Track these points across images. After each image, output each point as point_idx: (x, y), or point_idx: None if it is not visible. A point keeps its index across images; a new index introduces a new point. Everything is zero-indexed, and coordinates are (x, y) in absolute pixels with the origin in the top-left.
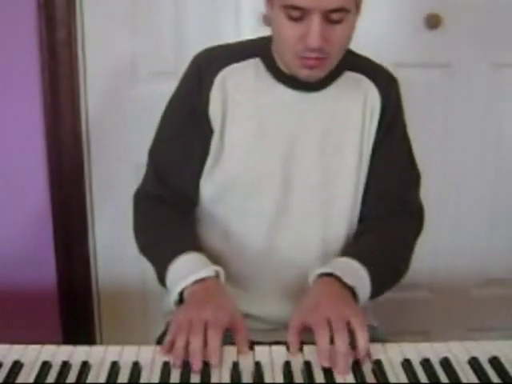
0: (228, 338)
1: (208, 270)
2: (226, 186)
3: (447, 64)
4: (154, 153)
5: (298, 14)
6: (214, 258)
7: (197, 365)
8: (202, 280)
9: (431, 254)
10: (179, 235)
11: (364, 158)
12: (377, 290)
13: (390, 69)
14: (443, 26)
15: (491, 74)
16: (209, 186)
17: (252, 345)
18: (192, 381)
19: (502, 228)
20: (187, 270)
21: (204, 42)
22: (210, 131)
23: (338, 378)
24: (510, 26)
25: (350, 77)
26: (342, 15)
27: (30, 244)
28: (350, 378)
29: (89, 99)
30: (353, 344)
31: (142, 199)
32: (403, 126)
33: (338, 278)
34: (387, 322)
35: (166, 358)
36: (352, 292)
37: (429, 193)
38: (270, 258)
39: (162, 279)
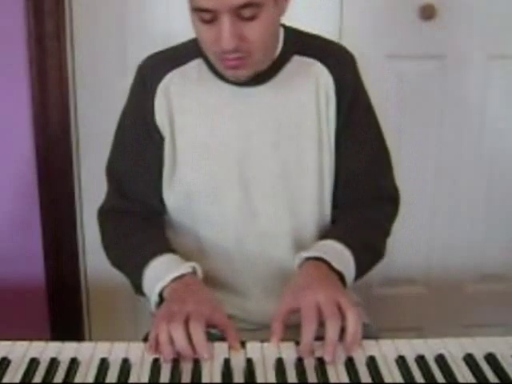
0: (217, 335)
1: (185, 266)
2: (186, 195)
3: (442, 55)
4: (113, 167)
5: (209, 17)
6: (190, 261)
7: (189, 357)
8: (181, 277)
9: (426, 249)
10: (150, 241)
11: (325, 146)
12: (360, 272)
13: (385, 60)
14: (438, 17)
15: (486, 65)
16: (170, 196)
17: (243, 342)
18: (183, 378)
19: (497, 223)
20: (163, 270)
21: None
22: (162, 140)
23: (331, 375)
24: (504, 16)
25: (298, 62)
26: (253, 10)
27: (17, 239)
28: (344, 375)
29: (77, 92)
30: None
31: (107, 214)
32: (366, 106)
33: (325, 262)
34: (381, 318)
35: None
36: (339, 276)
37: (423, 186)
38: (243, 259)
39: (138, 287)
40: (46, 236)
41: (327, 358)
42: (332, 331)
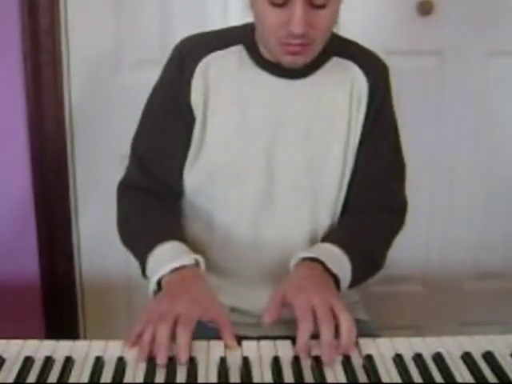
0: (213, 333)
1: (187, 258)
2: (208, 176)
3: (440, 51)
4: (137, 143)
5: (281, 0)
6: (199, 251)
7: (161, 358)
8: (181, 268)
9: (424, 246)
10: (161, 225)
11: (350, 147)
12: (355, 280)
13: (382, 56)
14: (435, 13)
15: (484, 62)
16: (191, 176)
17: (239, 339)
18: (178, 376)
19: (495, 220)
20: (166, 258)
21: (190, 29)
22: (193, 120)
23: (328, 374)
24: (503, 13)
25: (337, 63)
26: (325, 0)
27: (12, 236)
28: (341, 373)
29: (72, 87)
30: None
31: (125, 190)
32: (391, 116)
33: (321, 264)
34: (379, 316)
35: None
36: (334, 279)
37: (421, 184)
38: (256, 250)
39: (143, 270)
40: (40, 234)
41: (326, 360)
42: (326, 333)
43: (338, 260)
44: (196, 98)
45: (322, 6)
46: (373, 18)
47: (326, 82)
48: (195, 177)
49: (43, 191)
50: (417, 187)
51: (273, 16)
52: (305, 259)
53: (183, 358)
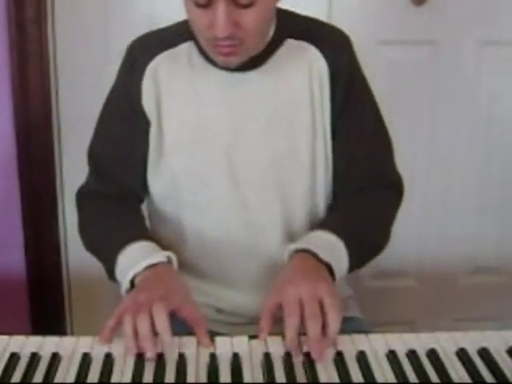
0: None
1: (159, 255)
2: (173, 181)
3: (434, 41)
4: (94, 149)
5: (204, 1)
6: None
7: (149, 351)
8: (154, 265)
9: (418, 241)
10: (127, 226)
11: (318, 134)
12: (355, 264)
13: (375, 46)
14: (429, 3)
15: (478, 52)
16: (156, 182)
17: (212, 336)
18: (167, 373)
19: (491, 214)
20: (138, 256)
21: (179, 19)
22: (148, 124)
23: (320, 370)
24: (496, 2)
25: (291, 46)
26: None
27: None
28: (333, 369)
29: (59, 79)
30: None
31: (84, 197)
32: (365, 90)
33: (313, 254)
34: (372, 312)
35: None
36: (328, 268)
37: (416, 177)
38: (231, 250)
39: (111, 272)
40: (26, 227)
41: (315, 356)
42: (313, 331)
43: (332, 247)
44: (148, 101)
45: (249, 5)
46: (366, 7)
47: (282, 68)
48: (160, 182)
49: (29, 184)
50: (411, 180)
51: (198, 17)
52: (297, 251)
53: (167, 338)
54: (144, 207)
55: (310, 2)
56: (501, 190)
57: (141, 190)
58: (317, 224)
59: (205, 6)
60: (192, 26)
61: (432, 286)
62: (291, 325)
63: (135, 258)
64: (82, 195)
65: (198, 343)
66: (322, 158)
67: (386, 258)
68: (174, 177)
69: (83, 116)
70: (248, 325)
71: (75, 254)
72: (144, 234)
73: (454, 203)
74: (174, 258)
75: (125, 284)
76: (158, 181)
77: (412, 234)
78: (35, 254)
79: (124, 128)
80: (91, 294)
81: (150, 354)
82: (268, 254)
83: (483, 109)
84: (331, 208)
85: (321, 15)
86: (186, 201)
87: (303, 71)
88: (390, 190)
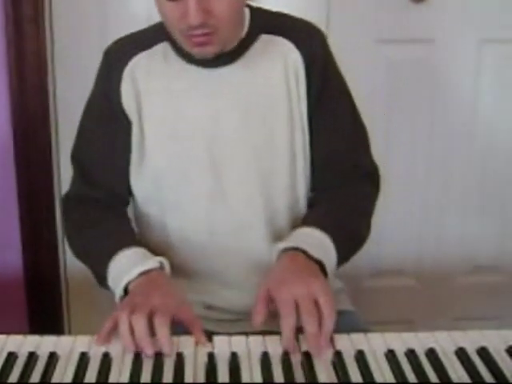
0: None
1: (152, 261)
2: (155, 181)
3: (433, 40)
4: (77, 153)
5: None
6: (157, 255)
7: (147, 350)
8: (147, 272)
9: (417, 240)
10: (116, 232)
11: (297, 126)
12: (341, 259)
13: (373, 45)
14: (428, 1)
15: (477, 50)
16: (138, 184)
17: (210, 335)
18: (165, 372)
19: (490, 214)
20: (130, 263)
21: None
22: (129, 124)
23: (318, 369)
24: (496, 0)
25: (265, 40)
26: None
27: None
28: (331, 369)
29: (57, 77)
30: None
31: (72, 203)
32: (339, 82)
33: (303, 251)
34: (370, 311)
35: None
36: (319, 265)
37: (414, 177)
38: (215, 247)
39: (102, 279)
40: (24, 226)
41: (314, 353)
42: (310, 328)
43: (321, 244)
44: (128, 103)
45: None
46: (365, 6)
47: (258, 62)
48: (142, 183)
49: (27, 184)
50: (410, 180)
51: (170, 10)
52: (286, 249)
53: (167, 350)
54: (129, 212)
55: (308, 1)
56: (500, 189)
57: (126, 192)
58: (301, 219)
59: None
60: (165, 21)
61: (431, 286)
62: (287, 324)
63: (127, 265)
64: (69, 201)
65: (196, 342)
66: (300, 150)
67: (385, 257)
68: (156, 176)
69: (81, 114)
70: (238, 321)
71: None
72: (133, 239)
73: (453, 203)
74: (167, 263)
75: (118, 291)
76: (141, 182)
77: (411, 233)
78: (33, 253)
79: (106, 131)
80: (89, 293)
81: (148, 353)
82: (253, 250)
83: (482, 107)
84: (312, 202)
85: (320, 14)
86: (169, 201)
87: (278, 64)
88: (369, 180)
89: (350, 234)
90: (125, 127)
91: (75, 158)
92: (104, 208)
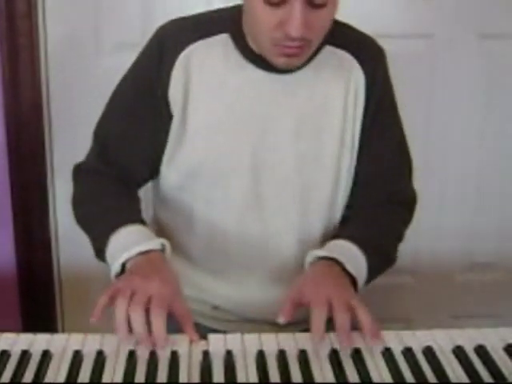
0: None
1: (154, 242)
2: (190, 174)
3: (431, 35)
4: (102, 129)
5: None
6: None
7: (145, 345)
8: (147, 252)
9: (414, 236)
10: (122, 208)
11: (346, 145)
12: (369, 278)
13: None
14: None
15: (478, 45)
16: (172, 173)
17: (208, 332)
18: (160, 370)
19: (487, 210)
20: (132, 240)
21: (172, 12)
22: (168, 115)
23: (315, 367)
24: None
25: (330, 53)
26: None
27: None
28: (328, 367)
29: (50, 72)
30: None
31: (81, 173)
32: (393, 107)
33: (338, 263)
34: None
35: (132, 347)
36: (351, 279)
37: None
38: (241, 249)
39: (100, 251)
40: (17, 223)
41: (343, 344)
42: (341, 318)
43: (355, 259)
44: (175, 93)
45: (323, 5)
46: (363, 0)
47: (318, 75)
48: (176, 174)
49: (20, 179)
50: None
51: (268, 16)
52: (321, 258)
53: (161, 344)
54: (146, 193)
55: None
56: (497, 185)
57: (141, 176)
58: (336, 231)
59: (277, 5)
60: (255, 24)
61: (428, 283)
62: (319, 314)
63: (128, 242)
64: (81, 170)
65: (190, 341)
66: (346, 167)
67: None
68: (192, 168)
69: (74, 110)
70: (244, 322)
71: (66, 250)
72: (139, 217)
73: (449, 199)
74: (168, 246)
75: (115, 266)
76: (173, 171)
77: (408, 230)
78: (26, 250)
79: (138, 112)
80: (82, 290)
81: (144, 349)
82: (278, 257)
83: (481, 102)
84: (346, 218)
85: None
86: (201, 193)
87: (340, 80)
88: (405, 207)
89: (383, 256)
90: (161, 114)
91: (97, 133)
92: (114, 183)
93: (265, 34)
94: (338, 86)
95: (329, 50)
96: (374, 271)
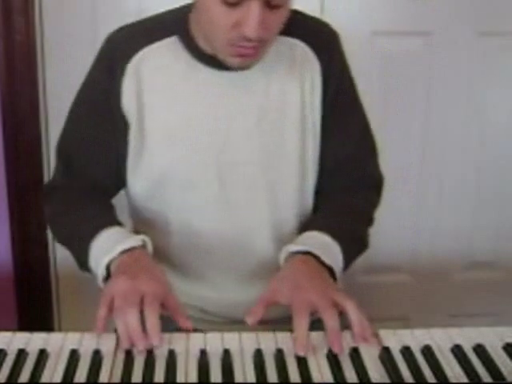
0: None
1: (134, 239)
2: (156, 181)
3: (429, 32)
4: (62, 143)
5: (234, 0)
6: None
7: (140, 346)
8: (130, 250)
9: (412, 235)
10: (97, 214)
11: (308, 134)
12: (347, 265)
13: (369, 37)
14: None
15: (475, 43)
16: (138, 183)
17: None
18: (157, 369)
19: (486, 208)
20: (112, 242)
21: (167, 5)
22: (125, 125)
23: (312, 367)
24: None
25: (282, 43)
26: (282, 0)
27: None
28: (325, 366)
29: (46, 69)
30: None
31: (50, 192)
32: (353, 91)
33: (313, 256)
34: (365, 308)
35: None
36: (329, 271)
37: (410, 170)
38: (218, 252)
39: (84, 262)
40: (13, 221)
41: (335, 349)
42: (330, 320)
43: (330, 249)
44: (128, 102)
45: (279, 6)
46: None
47: (272, 68)
48: (142, 183)
49: (16, 176)
50: (405, 174)
51: (224, 16)
52: (297, 252)
53: (156, 341)
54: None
55: None
56: (496, 184)
57: (112, 186)
58: (307, 223)
59: (234, 5)
60: (210, 24)
61: (426, 282)
62: (301, 323)
63: (110, 244)
64: (49, 190)
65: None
66: (311, 158)
67: (380, 253)
68: (159, 177)
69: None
70: (234, 324)
71: (63, 249)
72: (115, 221)
73: (448, 197)
74: (149, 242)
75: (101, 270)
76: (139, 180)
77: (406, 228)
78: (22, 249)
79: (97, 124)
80: (79, 289)
81: (140, 348)
82: (255, 256)
83: (478, 100)
84: (316, 207)
85: (314, 4)
86: (171, 200)
87: (295, 69)
88: (374, 190)
89: (356, 241)
90: (119, 125)
91: (60, 148)
92: (84, 194)
93: (220, 35)
94: (294, 76)
95: (282, 40)
96: (348, 258)
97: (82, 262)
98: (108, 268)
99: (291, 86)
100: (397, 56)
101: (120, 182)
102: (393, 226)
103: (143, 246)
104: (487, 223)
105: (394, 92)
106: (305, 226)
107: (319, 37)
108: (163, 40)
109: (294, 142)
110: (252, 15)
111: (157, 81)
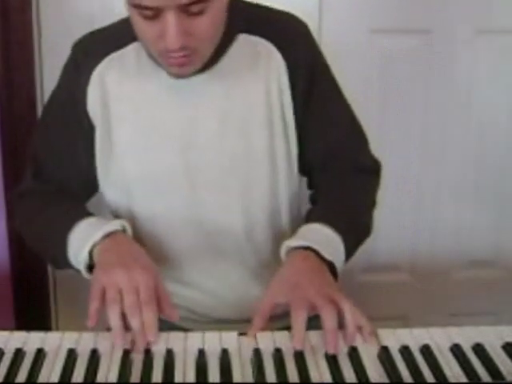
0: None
1: (114, 223)
2: (126, 191)
3: (429, 30)
4: (34, 148)
5: (151, 13)
6: None
7: (141, 344)
8: (111, 234)
9: (411, 234)
10: (70, 209)
11: (277, 135)
12: (348, 256)
13: (368, 35)
14: None
15: (473, 40)
16: (109, 190)
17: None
18: (154, 369)
19: (485, 207)
20: (92, 228)
21: None
22: (91, 129)
23: (311, 366)
24: None
25: (244, 42)
26: (201, 6)
27: None
28: (324, 366)
29: (44, 68)
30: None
31: (20, 196)
32: (329, 83)
33: (313, 251)
34: (364, 307)
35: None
36: (329, 264)
37: (409, 168)
38: (193, 256)
39: (61, 257)
40: (10, 220)
41: (330, 349)
42: (328, 319)
43: (330, 242)
44: (93, 107)
45: (200, 13)
46: None
47: (235, 69)
48: (112, 189)
49: (14, 175)
50: (404, 172)
51: (147, 30)
52: (297, 247)
53: (152, 337)
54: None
55: None
56: (495, 183)
57: (82, 191)
58: (307, 215)
59: (152, 18)
60: (140, 38)
61: (426, 281)
62: (299, 318)
63: (90, 231)
64: (18, 195)
65: (186, 338)
66: (282, 159)
67: (379, 251)
68: (127, 185)
69: None
70: (222, 323)
71: None
72: (90, 214)
73: (447, 195)
74: (128, 227)
75: (83, 257)
76: (109, 188)
77: (405, 227)
78: (20, 247)
79: (66, 131)
80: (77, 288)
81: (141, 348)
82: (231, 258)
83: (478, 98)
84: (315, 199)
85: (312, 2)
86: (141, 208)
87: (258, 69)
88: (370, 174)
89: (357, 229)
90: (88, 131)
91: (33, 156)
92: (55, 194)
93: (151, 47)
94: (257, 76)
95: (243, 38)
96: (350, 248)
97: (59, 257)
98: (91, 254)
99: (255, 87)
100: (396, 54)
101: (91, 187)
102: (392, 226)
103: (123, 231)
104: (487, 222)
105: (393, 90)
106: (306, 218)
107: (282, 32)
108: (127, 46)
109: (261, 143)
110: (168, 27)
111: (122, 88)
